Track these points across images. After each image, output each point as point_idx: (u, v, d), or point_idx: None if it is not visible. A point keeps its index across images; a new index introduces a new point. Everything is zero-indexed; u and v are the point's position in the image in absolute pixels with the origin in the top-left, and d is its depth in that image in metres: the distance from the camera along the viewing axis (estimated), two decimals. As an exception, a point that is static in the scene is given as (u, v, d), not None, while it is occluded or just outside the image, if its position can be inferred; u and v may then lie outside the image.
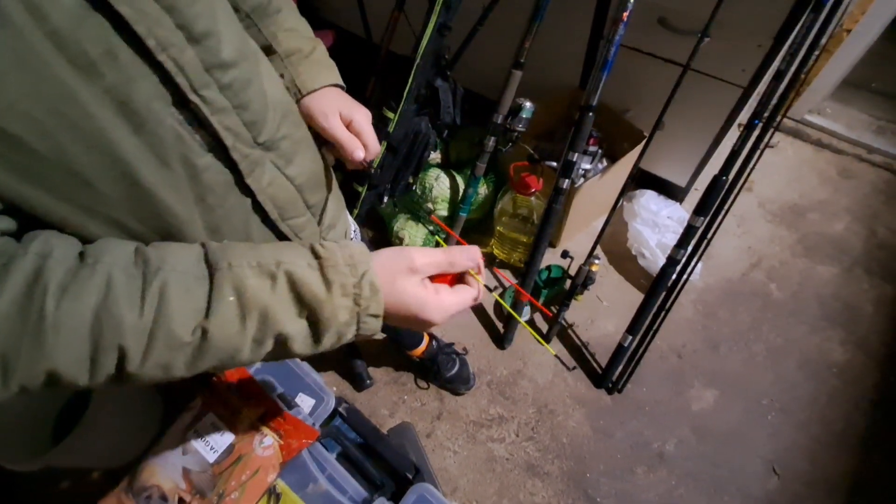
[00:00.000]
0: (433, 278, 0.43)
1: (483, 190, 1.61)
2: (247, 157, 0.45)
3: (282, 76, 0.55)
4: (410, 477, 0.71)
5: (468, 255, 0.44)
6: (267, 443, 0.63)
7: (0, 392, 0.31)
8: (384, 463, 0.74)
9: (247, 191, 0.47)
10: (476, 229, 1.71)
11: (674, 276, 1.22)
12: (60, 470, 1.29)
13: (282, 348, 0.38)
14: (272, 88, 0.49)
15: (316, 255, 0.39)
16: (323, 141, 0.58)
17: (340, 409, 0.77)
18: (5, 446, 1.12)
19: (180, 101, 0.37)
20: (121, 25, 0.32)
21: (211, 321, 0.35)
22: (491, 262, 1.68)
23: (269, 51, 0.55)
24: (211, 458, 0.62)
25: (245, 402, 0.67)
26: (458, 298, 0.43)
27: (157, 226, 0.41)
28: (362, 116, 0.58)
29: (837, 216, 1.72)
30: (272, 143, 0.48)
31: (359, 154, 0.56)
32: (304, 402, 0.75)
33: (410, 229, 1.58)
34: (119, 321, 0.32)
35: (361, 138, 0.57)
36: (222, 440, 0.64)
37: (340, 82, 0.60)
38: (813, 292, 1.56)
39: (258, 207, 0.49)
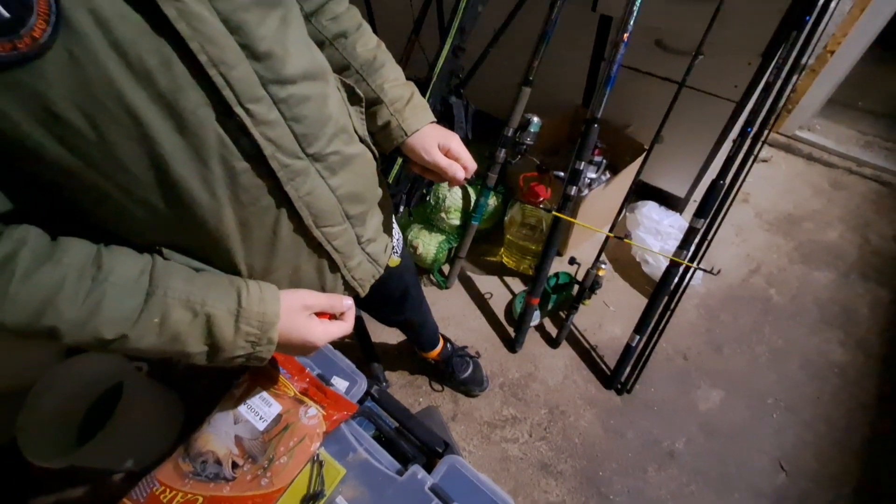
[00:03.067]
0: (318, 314, 0.57)
1: (493, 201, 1.69)
2: (287, 167, 0.49)
3: (388, 123, 0.66)
4: (441, 451, 0.76)
5: (344, 303, 0.58)
6: (311, 413, 0.69)
7: None
8: (415, 441, 0.79)
9: (284, 196, 0.51)
10: (486, 239, 1.78)
11: (677, 278, 1.28)
12: (82, 470, 1.32)
13: (179, 357, 0.48)
14: (334, 108, 0.55)
15: (239, 303, 0.49)
16: (426, 170, 0.70)
17: (372, 392, 0.83)
18: (35, 443, 1.17)
19: (226, 111, 0.42)
20: (178, 41, 0.37)
21: (132, 331, 0.44)
22: (501, 270, 1.75)
23: (376, 101, 0.65)
24: (261, 426, 0.67)
25: (289, 378, 0.73)
26: (336, 328, 0.57)
27: (185, 213, 0.45)
28: (456, 143, 0.70)
29: (831, 225, 1.80)
30: (321, 155, 0.53)
31: (459, 174, 0.67)
32: (339, 384, 0.80)
33: (424, 238, 1.65)
34: (59, 313, 0.40)
35: (461, 161, 0.69)
36: (270, 411, 0.69)
37: (433, 119, 0.71)
38: (811, 296, 1.62)
39: (294, 212, 0.53)
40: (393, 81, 0.67)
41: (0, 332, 0.40)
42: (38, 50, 0.32)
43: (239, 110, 0.42)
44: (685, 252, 1.25)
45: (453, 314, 1.66)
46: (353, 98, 0.63)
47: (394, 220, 0.83)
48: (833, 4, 1.01)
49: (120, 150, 0.39)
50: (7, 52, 0.31)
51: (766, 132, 1.13)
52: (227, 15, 0.39)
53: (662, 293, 1.30)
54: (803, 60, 1.07)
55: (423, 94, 1.36)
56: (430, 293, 1.70)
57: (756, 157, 1.12)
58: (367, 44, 0.66)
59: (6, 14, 0.31)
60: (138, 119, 0.38)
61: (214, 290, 0.48)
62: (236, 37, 0.41)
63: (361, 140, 0.63)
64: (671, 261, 1.26)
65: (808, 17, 1.04)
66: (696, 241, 1.24)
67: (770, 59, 1.21)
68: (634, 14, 1.11)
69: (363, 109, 0.65)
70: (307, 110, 0.49)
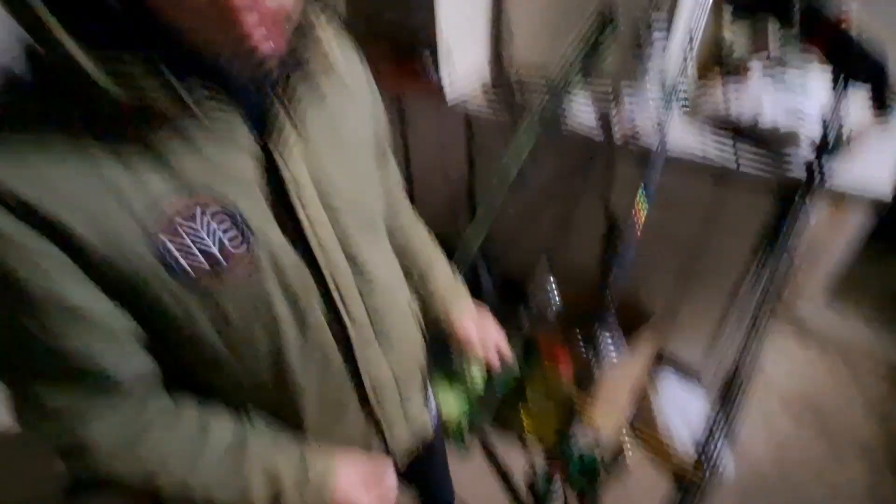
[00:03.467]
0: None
1: (516, 367, 1.71)
2: (362, 342, 0.59)
3: (433, 298, 0.78)
4: None
5: (389, 473, 0.61)
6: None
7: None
8: None
9: (356, 372, 0.60)
10: (509, 405, 1.75)
11: (705, 469, 1.23)
12: None
13: None
14: (397, 291, 0.68)
15: (305, 471, 0.54)
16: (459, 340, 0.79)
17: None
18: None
19: (333, 312, 0.54)
20: (316, 269, 0.51)
21: (216, 489, 0.50)
22: (523, 438, 1.69)
23: (424, 278, 0.79)
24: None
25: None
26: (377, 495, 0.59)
27: (282, 390, 0.54)
28: (490, 323, 0.81)
29: (854, 413, 1.74)
30: (386, 334, 0.62)
31: (494, 360, 0.79)
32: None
33: (447, 402, 1.64)
34: (166, 471, 0.48)
35: (492, 338, 0.79)
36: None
37: (469, 298, 0.83)
38: (849, 495, 1.50)
39: (360, 386, 0.61)
40: (438, 264, 0.81)
41: (109, 478, 0.46)
42: (234, 279, 0.45)
43: (342, 310, 0.54)
44: (710, 438, 1.23)
45: (472, 483, 1.55)
46: (407, 277, 0.76)
47: (431, 393, 0.88)
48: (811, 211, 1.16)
49: (256, 340, 0.49)
50: (219, 284, 0.44)
51: (767, 319, 1.20)
52: (344, 244, 0.53)
53: (691, 490, 1.24)
54: (794, 253, 1.19)
55: (451, 259, 1.51)
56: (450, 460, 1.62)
57: (764, 341, 1.18)
58: (420, 234, 0.82)
59: (223, 262, 0.44)
60: (276, 321, 0.49)
61: (286, 457, 0.54)
62: (354, 273, 0.55)
63: (413, 315, 0.73)
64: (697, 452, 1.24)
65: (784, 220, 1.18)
66: (719, 428, 1.23)
67: (761, 250, 1.34)
68: (641, 217, 1.29)
69: (415, 287, 0.78)
70: (381, 299, 0.60)
